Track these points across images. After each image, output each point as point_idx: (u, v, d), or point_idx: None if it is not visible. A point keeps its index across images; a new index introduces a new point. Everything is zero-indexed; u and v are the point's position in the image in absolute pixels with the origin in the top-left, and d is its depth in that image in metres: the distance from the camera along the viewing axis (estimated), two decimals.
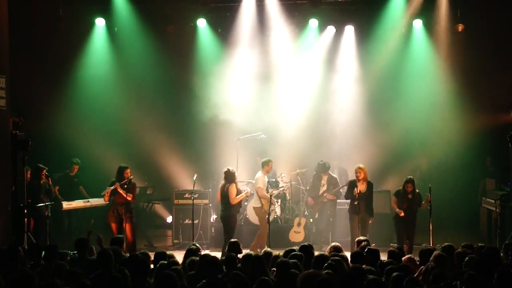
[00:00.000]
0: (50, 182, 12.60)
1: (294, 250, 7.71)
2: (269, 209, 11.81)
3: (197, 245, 8.54)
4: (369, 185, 12.08)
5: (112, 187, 11.54)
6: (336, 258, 7.08)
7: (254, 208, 12.48)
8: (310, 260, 7.28)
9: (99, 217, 14.08)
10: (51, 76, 14.80)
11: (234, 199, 11.60)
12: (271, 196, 11.91)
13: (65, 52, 14.98)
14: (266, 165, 12.49)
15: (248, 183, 13.61)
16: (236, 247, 8.25)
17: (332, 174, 13.24)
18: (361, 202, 11.78)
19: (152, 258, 7.79)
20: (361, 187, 11.95)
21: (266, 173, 12.61)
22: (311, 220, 13.34)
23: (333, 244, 8.51)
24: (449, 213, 14.22)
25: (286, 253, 7.64)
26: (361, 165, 12.12)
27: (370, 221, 11.98)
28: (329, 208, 12.96)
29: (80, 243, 8.20)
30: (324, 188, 12.94)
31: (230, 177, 11.74)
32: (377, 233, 12.51)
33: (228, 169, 11.88)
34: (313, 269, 6.55)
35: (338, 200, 13.33)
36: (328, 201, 12.98)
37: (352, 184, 12.00)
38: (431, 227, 11.42)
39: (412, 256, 8.25)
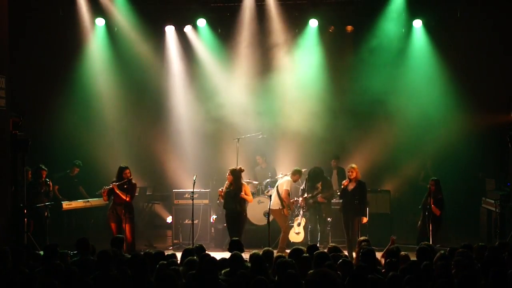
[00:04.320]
0: (51, 187, 12.65)
1: (301, 250, 7.67)
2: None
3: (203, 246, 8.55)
4: (359, 185, 11.86)
5: (108, 187, 11.56)
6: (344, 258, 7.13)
7: (272, 210, 12.37)
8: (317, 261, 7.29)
9: (99, 217, 14.09)
10: (51, 76, 14.80)
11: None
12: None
13: (65, 52, 14.99)
14: (298, 173, 12.74)
15: (249, 183, 13.62)
16: (237, 246, 8.24)
17: (327, 177, 13.21)
18: (348, 201, 11.74)
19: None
20: (350, 186, 11.88)
21: (293, 181, 12.84)
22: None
23: (330, 244, 8.49)
24: (449, 213, 14.20)
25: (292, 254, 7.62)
26: (353, 165, 12.05)
27: (363, 221, 11.83)
28: (323, 209, 12.94)
29: (81, 243, 8.20)
30: (319, 190, 12.90)
31: None
32: (377, 233, 12.50)
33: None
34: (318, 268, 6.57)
35: (333, 201, 13.40)
36: (321, 203, 12.98)
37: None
38: (430, 227, 11.44)
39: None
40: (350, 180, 11.81)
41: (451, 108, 14.67)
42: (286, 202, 12.53)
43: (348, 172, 11.94)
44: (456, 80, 14.60)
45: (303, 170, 13.58)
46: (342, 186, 11.95)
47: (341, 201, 12.11)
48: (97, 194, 12.11)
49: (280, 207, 12.50)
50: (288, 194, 12.68)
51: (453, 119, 14.68)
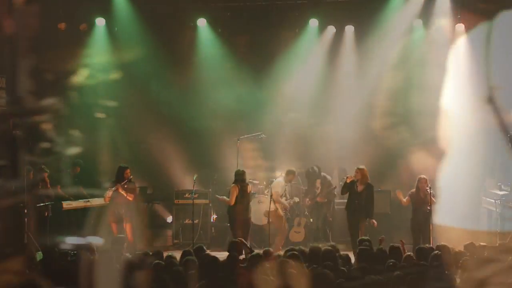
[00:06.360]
0: (49, 185, 12.66)
1: (293, 250, 7.69)
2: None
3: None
4: (368, 187, 11.98)
5: (113, 188, 11.54)
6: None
7: (266, 211, 12.44)
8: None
9: (99, 217, 14.06)
10: (51, 76, 14.79)
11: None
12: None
13: (65, 52, 14.99)
14: (291, 174, 12.72)
15: (248, 183, 13.59)
16: (236, 247, 8.25)
17: (326, 176, 13.18)
18: (358, 203, 11.78)
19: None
20: (359, 188, 11.93)
21: (287, 182, 12.79)
22: (311, 219, 13.34)
23: (329, 243, 8.50)
24: (448, 213, 14.21)
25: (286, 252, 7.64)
26: (360, 166, 12.10)
27: (371, 223, 11.91)
28: (325, 208, 12.94)
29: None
30: (318, 190, 12.90)
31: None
32: (377, 233, 12.49)
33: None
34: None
35: (336, 200, 13.40)
36: (322, 202, 12.95)
37: (347, 184, 11.97)
38: (430, 227, 11.44)
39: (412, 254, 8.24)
40: (356, 180, 11.81)
41: (451, 107, 14.66)
42: (279, 202, 12.48)
43: (355, 172, 11.97)
44: (456, 79, 14.60)
45: (303, 170, 13.62)
46: (347, 180, 11.92)
47: (345, 201, 12.12)
48: (103, 196, 12.07)
49: (274, 209, 12.50)
50: (279, 196, 12.67)
51: (452, 118, 14.66)
